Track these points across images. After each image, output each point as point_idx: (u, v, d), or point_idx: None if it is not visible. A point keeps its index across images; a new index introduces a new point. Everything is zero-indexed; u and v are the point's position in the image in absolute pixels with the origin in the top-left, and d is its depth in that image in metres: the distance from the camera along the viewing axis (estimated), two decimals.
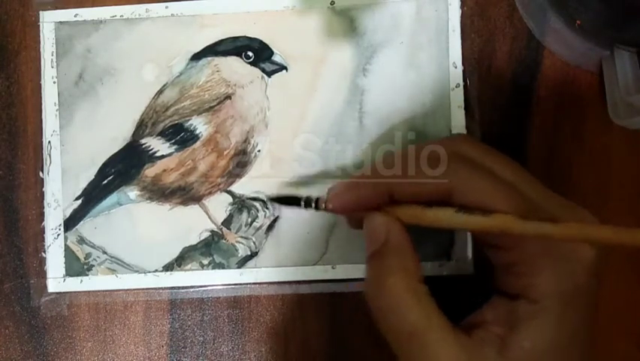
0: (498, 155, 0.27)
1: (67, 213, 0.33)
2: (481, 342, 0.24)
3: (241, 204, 0.33)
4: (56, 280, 0.33)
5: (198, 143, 0.33)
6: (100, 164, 0.33)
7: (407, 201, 0.26)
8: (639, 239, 0.21)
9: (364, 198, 0.26)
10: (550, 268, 0.24)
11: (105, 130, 0.33)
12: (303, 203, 0.28)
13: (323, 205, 0.27)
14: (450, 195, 0.25)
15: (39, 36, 0.33)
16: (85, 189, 0.33)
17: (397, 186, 0.26)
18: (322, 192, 0.28)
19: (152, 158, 0.33)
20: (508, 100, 0.33)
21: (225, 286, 0.33)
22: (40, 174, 0.33)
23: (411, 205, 0.26)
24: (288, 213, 0.32)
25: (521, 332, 0.24)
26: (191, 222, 0.33)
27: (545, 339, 0.24)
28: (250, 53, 0.33)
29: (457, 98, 0.32)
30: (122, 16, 0.33)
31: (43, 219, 0.33)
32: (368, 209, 0.26)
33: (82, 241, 0.33)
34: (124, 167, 0.33)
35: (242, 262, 0.33)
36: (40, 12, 0.33)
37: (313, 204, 0.28)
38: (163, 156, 0.33)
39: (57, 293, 0.33)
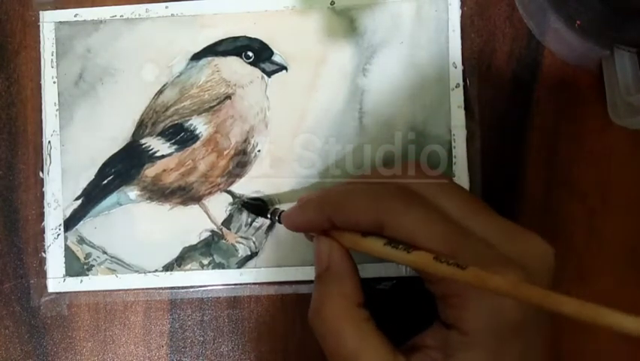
0: (449, 187, 0.27)
1: (67, 213, 0.33)
2: None
3: (241, 204, 0.33)
4: (56, 280, 0.33)
5: (198, 143, 0.33)
6: (100, 164, 0.33)
7: (347, 228, 0.27)
8: (536, 299, 0.21)
9: (308, 223, 0.28)
10: (480, 302, 0.24)
11: (105, 130, 0.33)
12: (269, 215, 0.31)
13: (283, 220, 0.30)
14: (382, 228, 0.25)
15: (39, 36, 0.33)
16: (85, 189, 0.33)
17: (334, 214, 0.26)
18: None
19: (152, 158, 0.33)
20: (508, 100, 0.33)
21: (225, 286, 0.33)
22: (40, 174, 0.33)
23: (350, 233, 0.26)
24: None
25: (452, 359, 0.24)
26: (191, 222, 0.33)
27: None
28: (250, 53, 0.33)
29: (457, 98, 0.32)
30: (122, 16, 0.33)
31: (43, 219, 0.33)
32: (315, 230, 0.28)
33: (82, 241, 0.33)
34: (124, 167, 0.33)
35: (242, 262, 0.33)
36: (40, 12, 0.33)
37: (276, 218, 0.30)
38: (163, 156, 0.33)
39: (57, 293, 0.33)
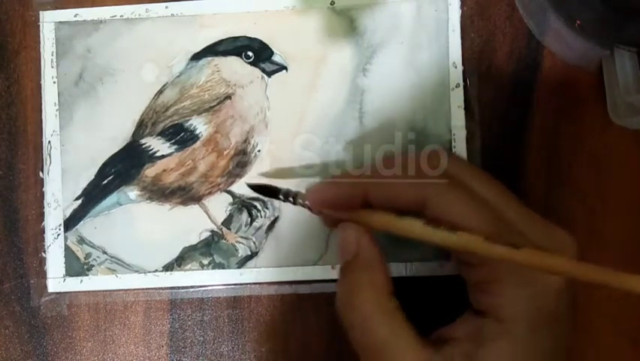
0: (481, 173, 0.27)
1: (67, 213, 0.33)
2: (449, 358, 0.24)
3: (241, 204, 0.33)
4: (56, 280, 0.33)
5: (198, 143, 0.33)
6: (100, 164, 0.33)
7: (381, 206, 0.26)
8: (596, 277, 0.21)
9: (340, 199, 0.27)
10: (519, 289, 0.24)
11: (105, 130, 0.33)
12: (281, 196, 0.29)
13: (300, 201, 0.28)
14: (424, 206, 0.25)
15: (39, 36, 0.33)
16: (85, 189, 0.33)
17: (373, 189, 0.26)
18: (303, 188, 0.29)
19: (152, 158, 0.33)
20: (508, 100, 0.33)
21: (225, 286, 0.33)
22: (40, 174, 0.33)
23: (384, 213, 0.26)
24: (288, 213, 0.32)
25: (488, 351, 0.24)
26: (191, 222, 0.33)
27: (512, 360, 0.24)
28: (250, 53, 0.33)
29: (457, 98, 0.32)
30: (122, 16, 0.33)
31: (43, 219, 0.33)
32: (342, 209, 0.27)
33: (82, 241, 0.33)
34: (124, 167, 0.33)
35: (242, 262, 0.33)
36: (40, 12, 0.33)
37: (291, 199, 0.28)
38: (163, 156, 0.33)
39: (57, 293, 0.33)
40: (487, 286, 0.25)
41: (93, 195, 0.33)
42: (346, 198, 0.27)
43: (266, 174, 0.32)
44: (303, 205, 0.28)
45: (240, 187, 0.33)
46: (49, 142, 0.33)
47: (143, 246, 0.33)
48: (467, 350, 0.24)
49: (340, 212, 0.27)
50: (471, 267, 0.25)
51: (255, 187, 0.31)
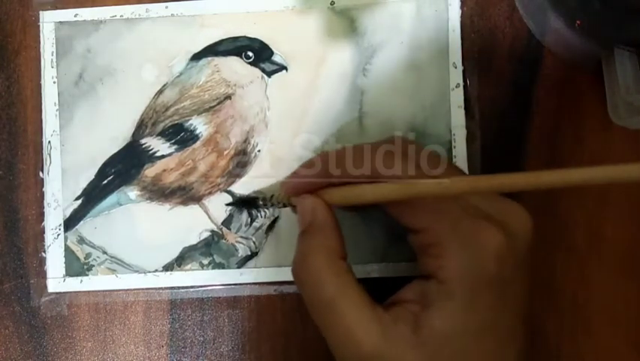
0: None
1: (67, 213, 0.33)
2: (396, 318, 0.25)
3: (241, 204, 0.33)
4: (56, 280, 0.33)
5: (198, 143, 0.33)
6: (100, 164, 0.33)
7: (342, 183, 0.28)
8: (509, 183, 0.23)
9: (314, 182, 0.29)
10: (459, 252, 0.25)
11: (105, 130, 0.33)
12: (261, 202, 0.31)
13: (275, 200, 0.30)
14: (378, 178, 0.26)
15: (39, 36, 0.33)
16: (85, 189, 0.33)
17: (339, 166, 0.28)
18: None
19: (152, 158, 0.33)
20: (508, 100, 0.33)
21: (225, 286, 0.33)
22: (40, 174, 0.33)
23: (341, 187, 0.27)
24: (288, 213, 0.32)
25: (432, 311, 0.25)
26: (191, 222, 0.33)
27: (454, 321, 0.24)
28: (250, 53, 0.33)
29: (457, 98, 0.32)
30: (122, 16, 0.33)
31: (43, 219, 0.33)
32: (316, 189, 0.28)
33: (82, 241, 0.33)
34: (124, 167, 0.33)
35: (242, 262, 0.33)
36: (40, 12, 0.33)
37: (269, 202, 0.31)
38: (163, 156, 0.33)
39: (57, 293, 0.33)
40: (431, 250, 0.26)
41: (93, 195, 0.33)
42: (317, 181, 0.29)
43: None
44: (280, 204, 0.31)
45: (240, 187, 0.33)
46: (49, 142, 0.33)
47: (143, 246, 0.33)
48: (414, 310, 0.25)
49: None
50: (416, 233, 0.26)
51: (235, 203, 0.33)
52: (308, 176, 0.28)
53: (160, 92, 0.33)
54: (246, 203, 0.32)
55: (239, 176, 0.33)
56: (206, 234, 0.33)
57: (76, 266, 0.33)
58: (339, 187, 0.28)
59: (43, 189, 0.33)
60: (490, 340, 0.25)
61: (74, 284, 0.33)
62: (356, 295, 0.26)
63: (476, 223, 0.25)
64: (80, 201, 0.33)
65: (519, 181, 0.24)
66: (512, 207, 0.26)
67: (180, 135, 0.33)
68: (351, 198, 0.27)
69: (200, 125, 0.33)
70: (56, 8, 0.33)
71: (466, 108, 0.32)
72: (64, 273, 0.33)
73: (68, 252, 0.33)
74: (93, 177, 0.33)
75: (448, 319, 0.25)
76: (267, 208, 0.32)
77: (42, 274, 0.33)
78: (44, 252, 0.33)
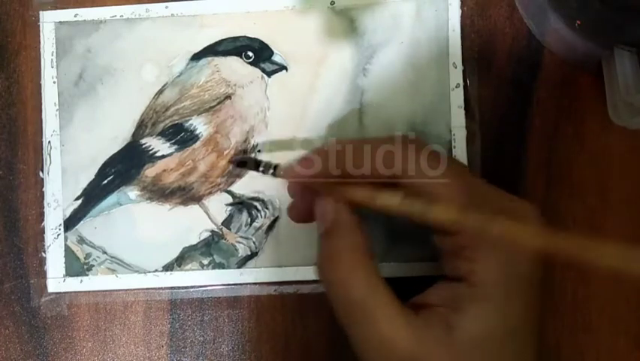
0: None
1: (67, 213, 0.33)
2: (427, 322, 0.25)
3: (241, 204, 0.33)
4: (56, 280, 0.33)
5: (198, 143, 0.33)
6: (100, 164, 0.33)
7: (357, 180, 0.26)
8: (566, 246, 0.22)
9: (320, 172, 0.27)
10: (493, 255, 0.25)
11: (105, 130, 0.33)
12: (262, 168, 0.29)
13: (281, 173, 0.28)
14: (398, 178, 0.26)
15: (39, 36, 0.33)
16: (85, 189, 0.33)
17: (349, 167, 0.26)
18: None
19: (152, 158, 0.33)
20: (508, 100, 0.33)
21: (225, 286, 0.33)
22: (40, 174, 0.33)
23: (362, 186, 0.26)
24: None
25: (465, 315, 0.24)
26: (191, 222, 0.33)
27: (488, 324, 0.24)
28: (250, 53, 0.33)
29: (457, 98, 0.32)
30: (122, 16, 0.33)
31: (43, 219, 0.33)
32: (320, 179, 0.27)
33: (82, 241, 0.33)
34: (124, 167, 0.33)
35: (242, 262, 0.33)
36: (40, 12, 0.33)
37: (272, 170, 0.29)
38: (163, 156, 0.33)
39: (57, 293, 0.33)
40: (462, 252, 0.25)
41: (93, 195, 0.33)
42: (325, 171, 0.27)
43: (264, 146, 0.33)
44: (281, 177, 0.28)
45: (240, 187, 0.33)
46: (49, 142, 0.33)
47: (143, 246, 0.33)
48: (443, 314, 0.25)
49: (320, 186, 0.27)
50: (447, 236, 0.26)
51: (237, 162, 0.32)
52: (307, 175, 0.27)
53: (160, 92, 0.33)
54: (247, 164, 0.31)
55: (239, 176, 0.33)
56: (206, 234, 0.33)
57: (76, 266, 0.33)
58: (358, 187, 0.26)
59: (43, 189, 0.33)
60: (518, 341, 0.25)
61: (74, 284, 0.33)
62: (387, 297, 0.25)
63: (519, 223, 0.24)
64: (80, 201, 0.33)
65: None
66: (528, 206, 0.26)
67: (180, 135, 0.33)
68: (374, 204, 0.26)
69: (200, 125, 0.33)
70: (56, 8, 0.33)
71: (466, 108, 0.32)
72: (64, 273, 0.33)
73: (68, 252, 0.33)
74: (93, 177, 0.33)
75: (481, 322, 0.24)
76: (266, 173, 0.29)
77: (42, 274, 0.33)
78: (44, 252, 0.33)
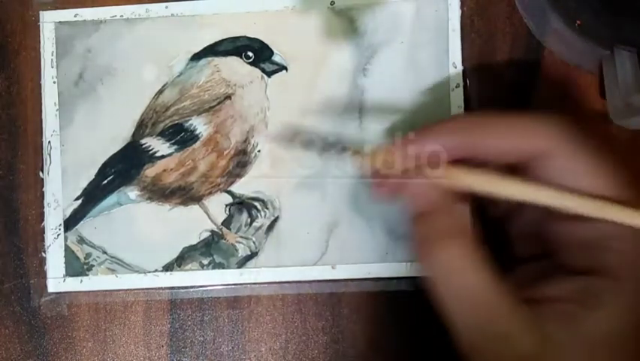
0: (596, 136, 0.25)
1: (67, 213, 0.33)
2: (550, 316, 0.22)
3: (241, 204, 0.33)
4: (56, 280, 0.33)
5: (198, 143, 0.33)
6: (100, 164, 0.33)
7: (484, 161, 0.23)
8: None
9: (439, 149, 0.24)
10: (629, 244, 0.23)
11: (105, 130, 0.33)
12: (331, 148, 0.28)
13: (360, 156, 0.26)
14: (546, 157, 0.23)
15: (39, 36, 0.33)
16: (85, 189, 0.33)
17: (486, 137, 0.23)
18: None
19: (152, 158, 0.33)
20: (508, 100, 0.33)
21: (225, 286, 0.33)
22: (40, 174, 0.33)
23: (488, 170, 0.23)
24: (288, 213, 0.32)
25: (599, 309, 0.22)
26: (191, 222, 0.33)
27: (620, 320, 0.22)
28: (250, 53, 0.33)
29: (457, 98, 0.32)
30: (122, 16, 0.33)
31: (43, 219, 0.33)
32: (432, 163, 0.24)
33: (82, 241, 0.33)
34: (124, 167, 0.33)
35: (242, 262, 0.33)
36: (40, 12, 0.33)
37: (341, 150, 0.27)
38: (163, 156, 0.33)
39: (57, 293, 0.33)
40: (597, 243, 0.23)
41: (93, 195, 0.33)
42: (444, 150, 0.24)
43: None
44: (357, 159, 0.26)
45: (240, 187, 0.33)
46: (49, 142, 0.33)
47: (143, 246, 0.33)
48: (569, 310, 0.23)
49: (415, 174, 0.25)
50: (575, 224, 0.23)
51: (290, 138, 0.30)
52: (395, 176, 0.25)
53: (160, 92, 0.33)
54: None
55: (239, 176, 0.33)
56: (206, 234, 0.33)
57: (76, 266, 0.33)
58: (484, 171, 0.23)
59: (43, 189, 0.33)
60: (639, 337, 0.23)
61: (74, 284, 0.33)
62: (504, 288, 0.22)
63: None
64: (80, 201, 0.33)
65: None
66: None
67: (180, 135, 0.33)
68: (499, 191, 0.23)
69: (200, 125, 0.33)
70: (56, 8, 0.33)
71: (466, 108, 0.32)
72: (64, 273, 0.33)
73: (68, 252, 0.33)
74: (93, 177, 0.33)
75: (615, 318, 0.22)
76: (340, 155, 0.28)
77: (42, 274, 0.33)
78: (44, 252, 0.33)
